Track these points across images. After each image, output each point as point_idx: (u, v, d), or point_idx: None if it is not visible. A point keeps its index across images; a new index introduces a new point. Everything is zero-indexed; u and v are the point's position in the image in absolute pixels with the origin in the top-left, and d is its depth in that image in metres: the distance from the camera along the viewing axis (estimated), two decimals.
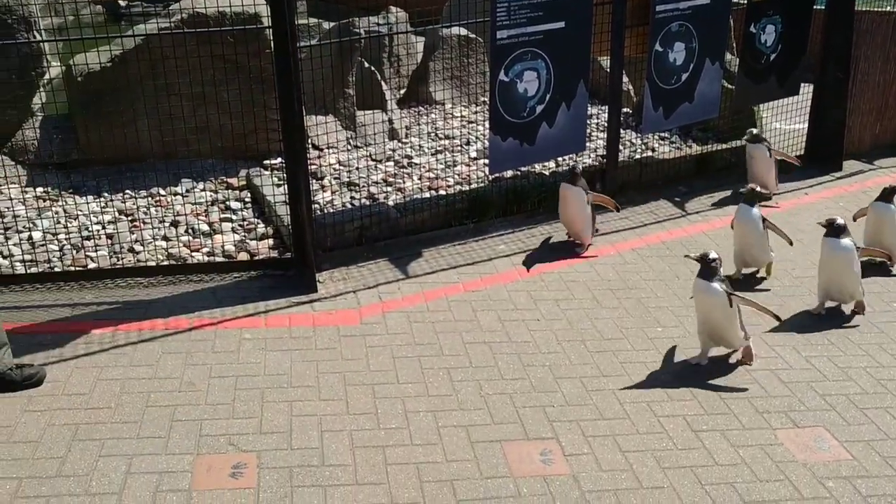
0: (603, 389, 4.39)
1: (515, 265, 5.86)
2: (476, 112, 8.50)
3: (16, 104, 7.06)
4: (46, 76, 7.30)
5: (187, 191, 6.67)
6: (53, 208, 6.31)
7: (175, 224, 6.14)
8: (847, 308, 5.26)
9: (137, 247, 5.88)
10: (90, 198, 6.48)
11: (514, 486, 3.66)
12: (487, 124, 6.26)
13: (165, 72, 6.18)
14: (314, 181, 6.64)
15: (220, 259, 5.78)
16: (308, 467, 3.74)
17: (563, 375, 4.51)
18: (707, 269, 4.50)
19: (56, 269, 5.55)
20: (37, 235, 5.91)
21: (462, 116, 8.38)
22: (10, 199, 6.29)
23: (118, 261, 5.73)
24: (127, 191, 6.59)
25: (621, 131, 7.43)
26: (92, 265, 5.64)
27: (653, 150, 7.79)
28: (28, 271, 5.50)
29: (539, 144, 6.31)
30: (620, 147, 7.23)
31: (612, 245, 6.20)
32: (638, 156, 7.58)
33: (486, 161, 6.51)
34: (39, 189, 6.59)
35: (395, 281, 5.58)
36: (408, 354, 4.69)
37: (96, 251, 5.77)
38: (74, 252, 5.78)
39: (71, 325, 4.92)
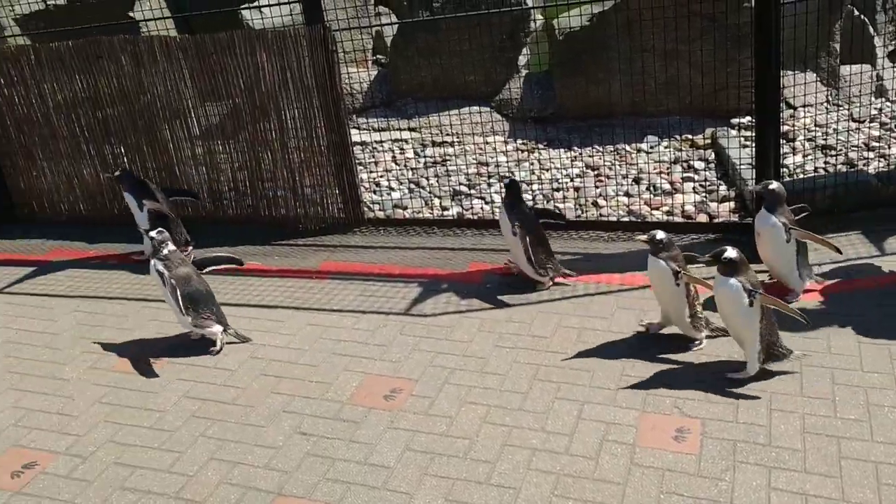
0: None
1: None
2: None
3: (505, 63, 7.75)
4: (531, 37, 7.88)
5: (651, 147, 6.77)
6: (529, 160, 6.86)
7: (637, 180, 6.29)
8: None
9: (601, 201, 6.14)
10: (561, 151, 6.91)
11: None
12: None
13: (641, 29, 6.26)
14: (784, 143, 6.30)
15: (678, 219, 5.80)
16: (753, 444, 3.65)
17: None
18: None
19: None
20: None
21: None
22: (494, 150, 6.97)
23: (582, 213, 6.05)
24: (595, 146, 6.89)
25: None
26: None
27: None
28: None
29: None
30: None
31: None
32: None
33: None
34: (519, 141, 7.20)
35: (867, 257, 5.09)
36: (876, 340, 4.28)
37: (564, 202, 6.16)
38: (545, 202, 6.24)
39: None
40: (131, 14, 9.05)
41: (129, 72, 6.41)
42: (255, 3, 8.36)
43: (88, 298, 5.64)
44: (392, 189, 6.73)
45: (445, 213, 6.34)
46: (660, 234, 4.27)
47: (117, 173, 6.13)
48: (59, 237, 6.83)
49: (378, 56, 8.95)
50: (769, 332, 4.02)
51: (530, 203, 6.01)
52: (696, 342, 4.36)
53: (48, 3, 9.20)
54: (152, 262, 4.77)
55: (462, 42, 6.76)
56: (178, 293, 4.66)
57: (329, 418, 4.07)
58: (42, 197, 7.22)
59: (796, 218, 4.65)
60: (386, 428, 3.96)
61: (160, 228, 4.91)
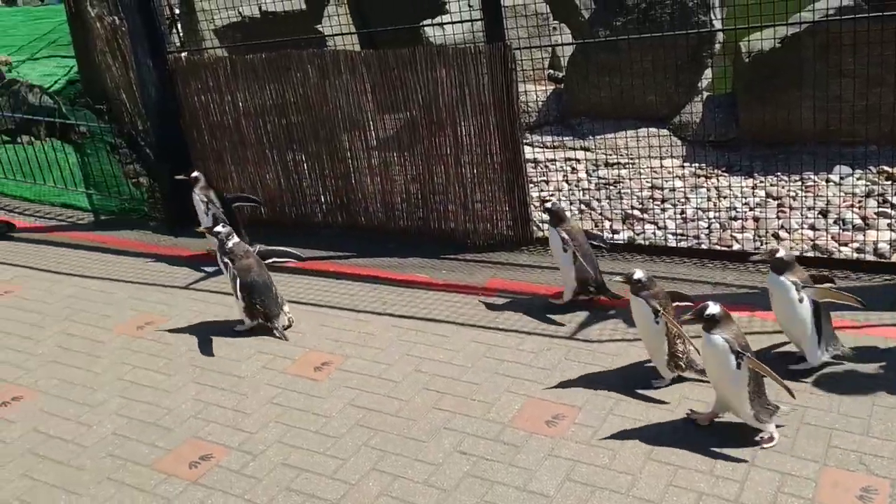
0: None
1: None
2: None
3: (685, 84, 7.51)
4: (714, 58, 7.61)
5: (842, 178, 6.36)
6: (706, 185, 6.60)
7: (824, 213, 5.92)
8: None
9: (782, 233, 5.82)
10: (741, 178, 6.61)
11: None
12: None
13: (841, 52, 5.87)
14: None
15: (870, 257, 5.40)
16: None
17: None
18: None
19: (702, 246, 5.81)
20: (689, 211, 6.26)
21: None
22: (670, 174, 6.76)
23: (761, 245, 5.75)
24: (778, 174, 6.55)
25: None
26: (736, 246, 5.77)
27: None
28: (678, 244, 5.87)
29: None
30: None
31: None
32: None
33: None
34: (696, 165, 6.95)
35: None
36: None
37: (742, 232, 5.88)
38: (721, 231, 5.98)
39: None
40: (319, 27, 9.45)
41: (314, 83, 6.67)
42: (438, 20, 8.52)
43: None
44: None
45: (616, 236, 6.20)
46: (637, 274, 4.27)
47: (194, 174, 6.56)
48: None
49: (552, 70, 8.91)
50: (757, 393, 3.80)
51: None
52: (663, 380, 4.33)
53: (243, 15, 9.74)
54: (219, 254, 5.34)
55: (644, 62, 6.60)
56: (238, 282, 5.19)
57: (490, 439, 4.05)
58: None
59: (812, 276, 4.33)
60: (546, 455, 3.90)
61: (224, 222, 5.60)
